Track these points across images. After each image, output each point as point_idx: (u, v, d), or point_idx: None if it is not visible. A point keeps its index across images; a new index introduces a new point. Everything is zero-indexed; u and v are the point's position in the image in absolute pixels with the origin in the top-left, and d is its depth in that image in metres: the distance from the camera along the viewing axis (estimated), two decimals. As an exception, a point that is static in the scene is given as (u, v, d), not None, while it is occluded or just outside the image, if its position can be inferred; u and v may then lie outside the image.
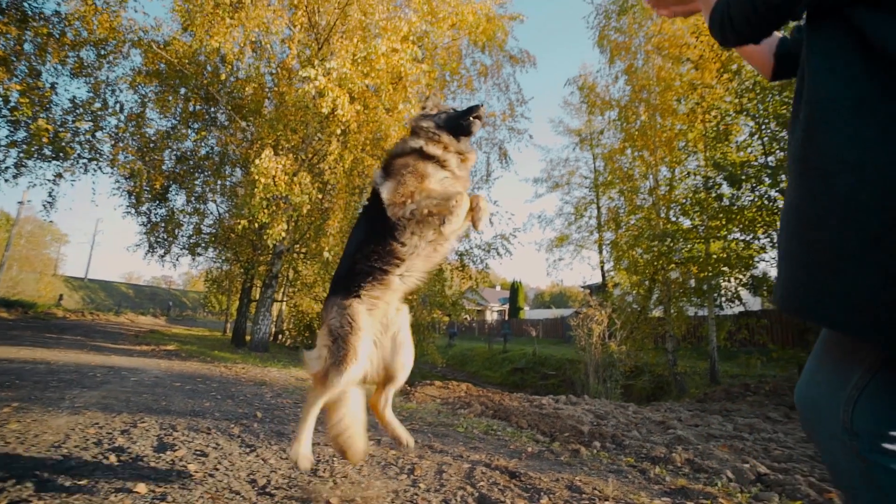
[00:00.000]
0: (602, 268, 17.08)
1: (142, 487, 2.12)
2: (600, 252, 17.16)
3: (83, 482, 2.14)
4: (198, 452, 2.72)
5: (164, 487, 2.14)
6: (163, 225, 13.77)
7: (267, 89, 11.22)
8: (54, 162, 11.36)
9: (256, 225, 8.84)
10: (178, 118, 11.90)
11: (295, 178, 8.46)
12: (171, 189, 13.24)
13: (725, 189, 11.39)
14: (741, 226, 10.94)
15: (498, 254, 12.73)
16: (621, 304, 13.30)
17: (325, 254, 9.20)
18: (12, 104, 10.26)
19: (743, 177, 10.58)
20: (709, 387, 11.01)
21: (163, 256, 14.77)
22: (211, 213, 14.63)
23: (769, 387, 9.28)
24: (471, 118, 2.19)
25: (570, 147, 23.44)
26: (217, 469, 2.48)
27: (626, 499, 2.40)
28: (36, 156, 10.93)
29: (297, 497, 2.21)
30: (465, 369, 18.86)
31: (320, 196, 9.14)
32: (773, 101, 10.17)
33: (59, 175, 11.68)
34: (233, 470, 2.50)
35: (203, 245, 14.94)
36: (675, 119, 13.51)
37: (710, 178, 11.63)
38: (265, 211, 8.26)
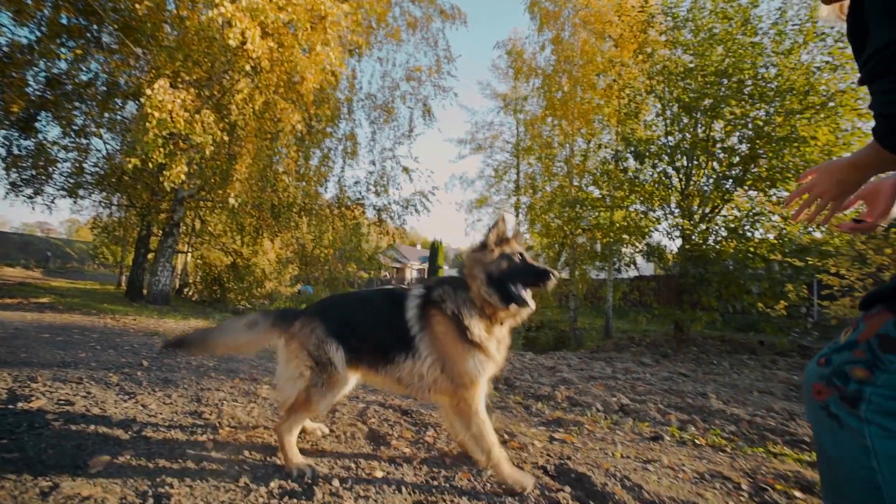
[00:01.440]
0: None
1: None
2: (517, 215, 17.89)
3: None
4: (61, 402, 2.49)
5: (5, 440, 1.94)
6: (29, 160, 11.73)
7: (166, 13, 9.76)
8: None
9: (151, 165, 7.88)
10: (43, 30, 9.88)
11: (197, 116, 7.60)
12: (39, 117, 11.19)
13: (631, 163, 12.35)
14: (641, 198, 12.00)
15: (416, 210, 12.75)
16: (532, 266, 14.11)
17: (232, 201, 8.52)
18: None
19: (647, 153, 11.51)
20: (602, 340, 12.28)
21: (32, 198, 12.71)
22: (97, 150, 12.76)
23: (650, 340, 10.59)
24: (544, 285, 1.91)
25: (495, 111, 23.66)
26: (84, 417, 2.30)
27: (506, 429, 2.65)
28: None
29: (176, 438, 2.14)
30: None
31: (226, 138, 8.32)
32: (677, 87, 11.02)
33: None
34: (104, 417, 2.33)
35: (87, 187, 13.08)
36: (594, 93, 14.14)
37: (618, 152, 12.49)
38: (161, 150, 7.36)
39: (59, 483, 1.60)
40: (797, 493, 1.95)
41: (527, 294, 1.90)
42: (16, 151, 11.72)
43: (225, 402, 2.80)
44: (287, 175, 11.62)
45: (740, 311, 11.72)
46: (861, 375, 0.89)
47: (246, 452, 2.03)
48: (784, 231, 8.85)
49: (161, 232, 11.93)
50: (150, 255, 13.91)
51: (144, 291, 12.94)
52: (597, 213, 13.01)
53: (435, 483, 1.88)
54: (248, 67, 8.23)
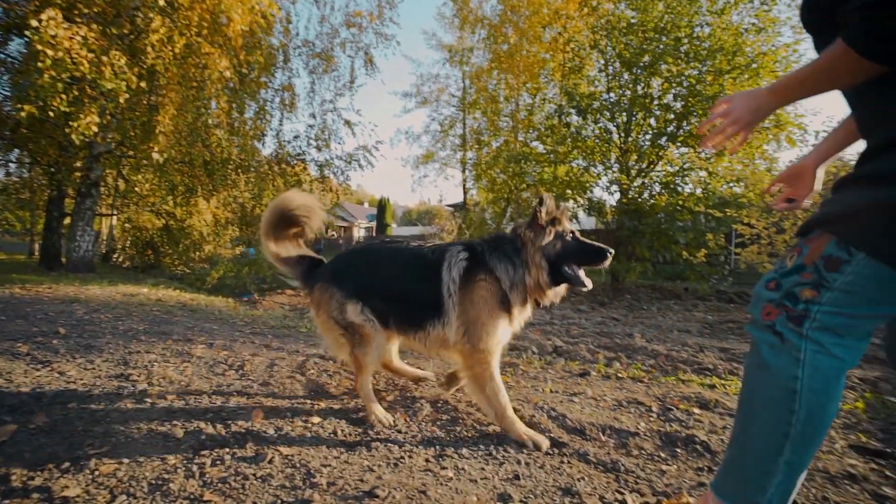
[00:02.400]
0: (464, 186, 17.95)
1: None
2: (463, 171, 17.91)
3: None
4: (-41, 373, 2.28)
5: None
6: None
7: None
8: None
9: (53, 115, 6.96)
10: None
11: (105, 58, 6.72)
12: None
13: (574, 119, 12.54)
14: (583, 153, 12.32)
15: (360, 165, 12.33)
16: (478, 220, 14.33)
17: (156, 156, 7.79)
18: None
19: (589, 109, 11.72)
20: (545, 292, 12.88)
21: None
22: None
23: (590, 290, 11.23)
24: (601, 265, 1.98)
25: (441, 63, 22.98)
26: (-15, 387, 2.13)
27: (444, 373, 2.75)
28: None
29: (99, 402, 2.04)
30: (333, 286, 18.77)
31: (144, 85, 7.46)
32: (619, 42, 11.14)
33: None
34: (9, 387, 2.17)
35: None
36: (540, 46, 13.99)
37: (562, 107, 12.61)
38: (63, 97, 6.49)
39: None
40: (696, 410, 2.21)
41: (582, 274, 1.95)
42: None
43: (156, 363, 2.69)
44: (219, 129, 10.75)
45: (669, 261, 12.66)
46: (809, 295, 0.97)
47: (177, 410, 1.98)
48: (709, 185, 9.49)
49: (77, 193, 10.79)
50: (66, 220, 12.62)
51: (63, 259, 11.84)
52: (541, 169, 13.26)
53: (370, 427, 1.94)
54: (161, 2, 7.32)
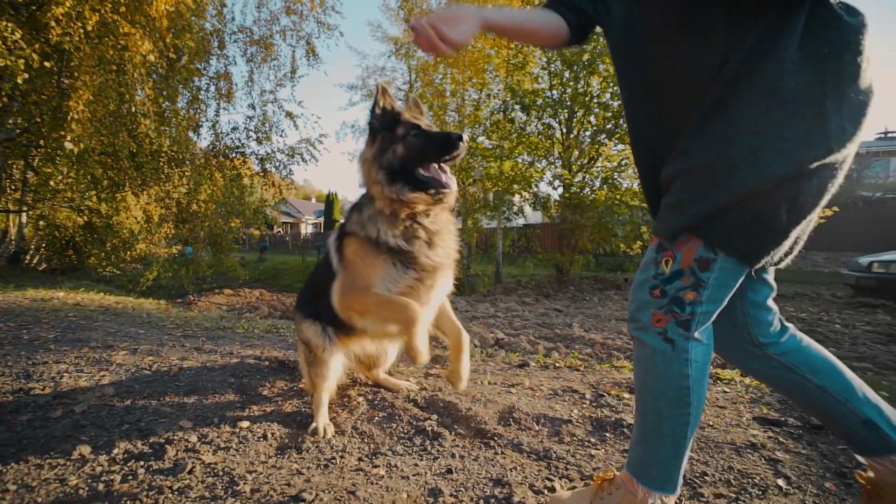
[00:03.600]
0: (414, 182, 17.81)
1: None
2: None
3: None
4: None
5: None
6: None
7: None
8: None
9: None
10: None
11: (-4, 32, 5.94)
12: None
13: (519, 114, 12.81)
14: (528, 149, 12.62)
15: (303, 159, 11.89)
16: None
17: (69, 146, 7.05)
18: None
19: (532, 105, 12.00)
20: (493, 285, 13.12)
21: None
22: None
23: (535, 282, 11.56)
24: (452, 154, 1.59)
25: (387, 55, 22.59)
26: None
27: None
28: None
29: (-10, 419, 1.83)
30: (278, 283, 18.08)
31: (49, 65, 6.70)
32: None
33: None
34: None
35: None
36: (485, 42, 14.12)
37: (507, 103, 12.82)
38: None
39: None
40: (626, 395, 2.33)
41: (443, 173, 1.62)
42: None
43: (65, 374, 2.45)
44: (147, 118, 9.95)
45: (610, 253, 13.34)
46: (692, 297, 1.06)
47: (87, 424, 1.82)
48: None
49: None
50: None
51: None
52: (487, 164, 13.46)
53: (304, 426, 1.88)
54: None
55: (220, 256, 11.54)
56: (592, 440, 1.86)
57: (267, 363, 2.71)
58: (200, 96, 11.64)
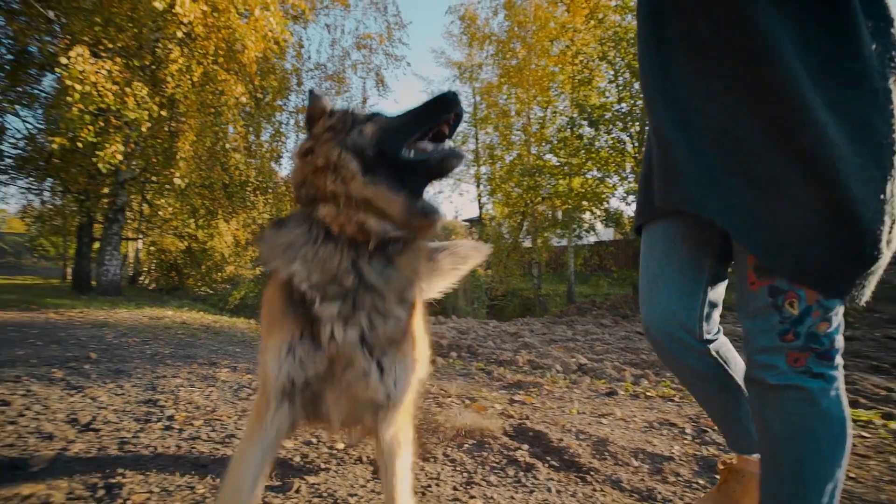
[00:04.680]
0: (479, 201, 18.02)
1: None
2: (478, 186, 17.97)
3: None
4: (-3, 401, 2.34)
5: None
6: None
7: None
8: None
9: (81, 145, 7.27)
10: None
11: (128, 90, 7.01)
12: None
13: (587, 130, 12.53)
14: (598, 165, 12.26)
15: (376, 184, 12.41)
16: (494, 235, 14.32)
17: (178, 181, 8.03)
18: None
19: (601, 120, 11.70)
20: (566, 305, 12.72)
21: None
22: (15, 129, 11.61)
23: (610, 302, 11.04)
24: (451, 113, 1.04)
25: (451, 80, 23.23)
26: (23, 415, 2.17)
27: (468, 394, 2.72)
28: None
29: (129, 428, 2.06)
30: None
31: (165, 114, 7.75)
32: (628, 53, 11.16)
33: None
34: (46, 413, 2.21)
35: (9, 171, 11.96)
36: (549, 60, 14.09)
37: (574, 119, 12.60)
38: (90, 128, 6.78)
39: (-5, 485, 1.52)
40: (733, 432, 2.12)
41: (437, 145, 1.04)
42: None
43: (182, 387, 2.71)
44: (237, 152, 11.06)
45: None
46: (826, 327, 0.98)
47: (203, 436, 1.99)
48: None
49: (105, 219, 11.16)
50: (95, 244, 13.03)
51: (93, 283, 12.18)
52: (556, 181, 13.24)
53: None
54: (180, 34, 7.61)
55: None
56: (701, 482, 1.71)
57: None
58: (282, 129, 12.72)
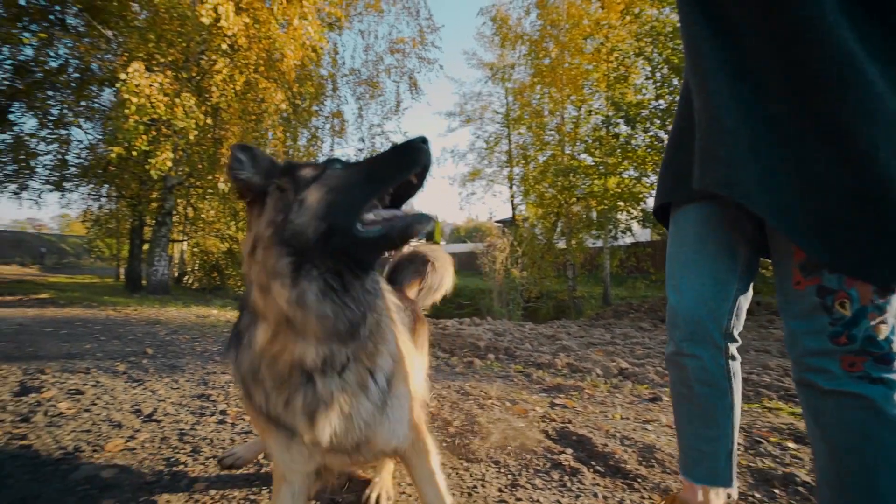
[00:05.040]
0: (512, 202, 17.90)
1: (-3, 429, 1.94)
2: (511, 187, 17.86)
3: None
4: (72, 392, 2.53)
5: (22, 428, 1.98)
6: (9, 154, 11.48)
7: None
8: None
9: (135, 154, 7.74)
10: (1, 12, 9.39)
11: (177, 100, 7.41)
12: (12, 109, 10.84)
13: (623, 128, 12.23)
14: (634, 163, 11.95)
15: (410, 187, 12.59)
16: (528, 236, 14.18)
17: (221, 186, 8.42)
18: None
19: (637, 117, 11.40)
20: (601, 308, 12.44)
21: (18, 193, 12.53)
22: (78, 140, 12.48)
23: (648, 305, 10.71)
24: (421, 165, 0.92)
25: (483, 81, 23.19)
26: (95, 404, 2.34)
27: (508, 397, 2.72)
28: None
29: (186, 420, 2.18)
30: (382, 304, 19.18)
31: (210, 122, 8.15)
32: (665, 48, 10.82)
33: None
34: (114, 403, 2.37)
35: (73, 179, 12.87)
36: (583, 58, 13.85)
37: (609, 117, 12.33)
38: (144, 137, 7.22)
39: (78, 466, 1.64)
40: (791, 444, 2.03)
41: (407, 215, 0.91)
42: (-7, 146, 11.47)
43: (231, 384, 2.84)
44: (275, 157, 11.48)
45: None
46: (885, 329, 0.92)
47: (255, 431, 2.08)
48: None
49: (154, 221, 11.82)
50: (145, 246, 13.83)
51: (143, 282, 12.91)
52: (590, 181, 12.99)
53: (442, 451, 1.94)
54: (224, 46, 7.98)
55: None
56: (758, 496, 1.65)
57: (395, 384, 2.87)
58: (318, 134, 13.07)
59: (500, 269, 11.49)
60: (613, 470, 1.81)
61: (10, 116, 11.05)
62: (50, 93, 10.97)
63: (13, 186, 12.26)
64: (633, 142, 11.63)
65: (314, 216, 0.86)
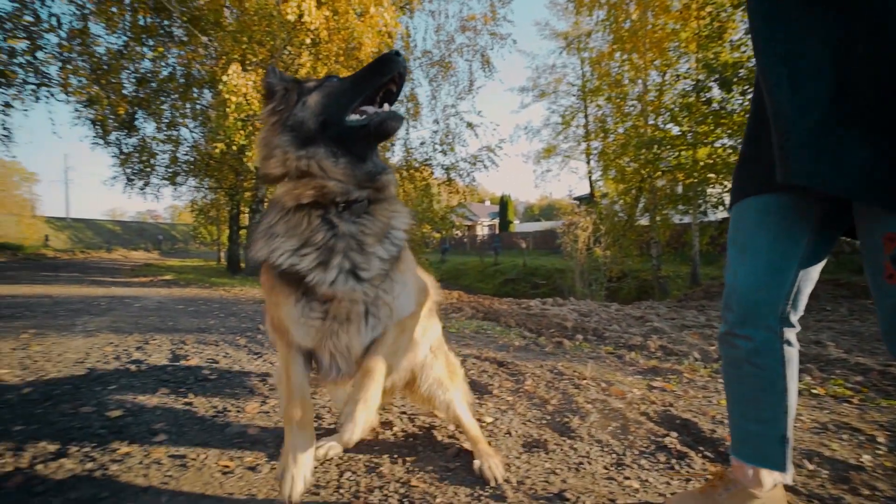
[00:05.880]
0: (590, 178, 17.13)
1: (164, 390, 2.32)
2: (588, 162, 17.07)
3: (113, 387, 2.34)
4: (210, 360, 2.93)
5: (184, 389, 2.35)
6: (136, 155, 13.23)
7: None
8: (-1, 89, 10.47)
9: (235, 148, 8.54)
10: (128, 34, 10.79)
11: (269, 96, 8.02)
12: (137, 116, 12.44)
13: (716, 92, 11.10)
14: (729, 131, 10.83)
15: (484, 166, 12.60)
16: (609, 213, 13.53)
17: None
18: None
19: (734, 79, 10.25)
20: (689, 288, 11.64)
21: (143, 189, 14.43)
22: (185, 139, 14.01)
23: (744, 285, 9.80)
24: (394, 73, 1.14)
25: (557, 52, 22.13)
26: (230, 371, 2.70)
27: (603, 378, 2.69)
28: (-24, 82, 10.04)
29: (306, 390, 2.44)
30: (459, 283, 19.60)
31: (298, 114, 8.75)
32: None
33: (8, 105, 10.82)
34: (243, 372, 2.72)
35: (183, 174, 14.52)
36: (668, 17, 12.68)
37: (700, 82, 11.25)
38: (241, 132, 7.93)
39: (228, 423, 1.93)
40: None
41: (378, 108, 1.15)
42: (125, 149, 13.27)
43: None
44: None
45: (853, 250, 10.43)
46: None
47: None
48: None
49: (249, 209, 12.99)
50: (242, 231, 15.30)
51: (241, 265, 14.33)
52: (677, 153, 12.02)
53: (543, 427, 1.99)
54: (307, 41, 8.41)
55: (416, 260, 13.11)
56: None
57: (487, 362, 2.97)
58: (391, 118, 13.38)
59: (581, 249, 11.12)
60: (725, 457, 1.75)
61: (135, 123, 12.66)
62: (163, 98, 12.36)
63: (140, 183, 14.13)
64: (728, 107, 10.53)
65: (313, 112, 1.12)
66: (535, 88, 19.83)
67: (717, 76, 10.41)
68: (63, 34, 10.14)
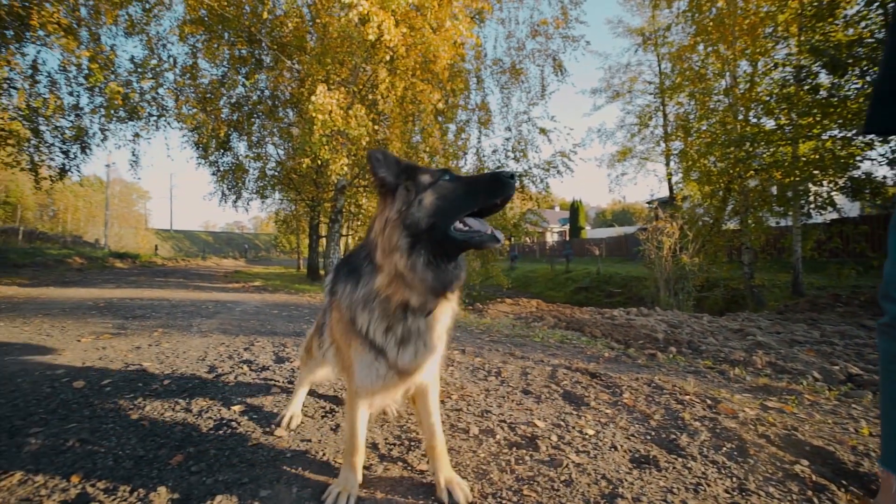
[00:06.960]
0: (670, 180, 16.06)
1: (275, 389, 2.53)
2: (667, 164, 16.02)
3: (232, 383, 2.60)
4: (310, 362, 3.14)
5: (290, 387, 2.55)
6: (231, 172, 14.66)
7: (307, 22, 10.97)
8: (129, 122, 12.31)
9: (319, 163, 9.13)
10: (227, 65, 12.10)
11: (350, 112, 8.49)
12: (232, 137, 13.84)
13: (824, 78, 9.96)
14: (841, 121, 9.66)
15: (558, 172, 12.35)
16: (692, 217, 12.60)
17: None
18: (85, 71, 10.96)
19: (849, 60, 9.12)
20: (790, 299, 10.49)
21: (235, 202, 15.92)
22: (271, 156, 15.26)
23: (864, 297, 8.66)
24: (504, 196, 1.31)
25: (632, 50, 21.18)
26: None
27: (707, 394, 2.51)
28: (114, 118, 11.89)
29: (402, 394, 2.53)
30: (529, 290, 19.27)
31: (376, 127, 9.14)
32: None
33: (137, 135, 12.73)
34: (343, 374, 2.88)
35: (269, 188, 15.80)
36: (762, 0, 11.64)
37: (803, 68, 10.18)
38: (325, 148, 8.46)
39: (339, 424, 2.06)
40: None
41: (483, 224, 1.29)
42: (222, 168, 14.79)
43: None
44: (428, 153, 12.30)
45: None
46: None
47: (464, 409, 2.32)
48: None
49: (328, 220, 13.79)
50: (320, 241, 16.29)
51: (321, 272, 15.22)
52: (773, 149, 10.92)
53: (648, 443, 1.90)
54: (386, 58, 8.80)
55: (487, 267, 13.15)
56: None
57: (579, 373, 2.89)
58: (465, 127, 13.57)
59: (667, 256, 10.45)
60: (875, 495, 1.55)
61: (230, 143, 14.09)
62: (254, 119, 13.61)
63: (234, 197, 15.62)
64: (839, 93, 9.40)
65: (426, 213, 1.26)
66: (608, 89, 19.08)
67: (826, 59, 9.34)
68: (178, 71, 11.71)
